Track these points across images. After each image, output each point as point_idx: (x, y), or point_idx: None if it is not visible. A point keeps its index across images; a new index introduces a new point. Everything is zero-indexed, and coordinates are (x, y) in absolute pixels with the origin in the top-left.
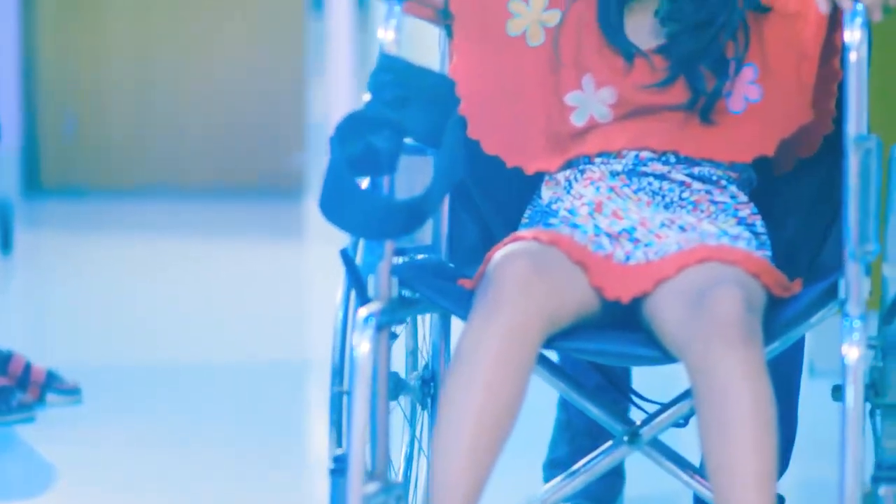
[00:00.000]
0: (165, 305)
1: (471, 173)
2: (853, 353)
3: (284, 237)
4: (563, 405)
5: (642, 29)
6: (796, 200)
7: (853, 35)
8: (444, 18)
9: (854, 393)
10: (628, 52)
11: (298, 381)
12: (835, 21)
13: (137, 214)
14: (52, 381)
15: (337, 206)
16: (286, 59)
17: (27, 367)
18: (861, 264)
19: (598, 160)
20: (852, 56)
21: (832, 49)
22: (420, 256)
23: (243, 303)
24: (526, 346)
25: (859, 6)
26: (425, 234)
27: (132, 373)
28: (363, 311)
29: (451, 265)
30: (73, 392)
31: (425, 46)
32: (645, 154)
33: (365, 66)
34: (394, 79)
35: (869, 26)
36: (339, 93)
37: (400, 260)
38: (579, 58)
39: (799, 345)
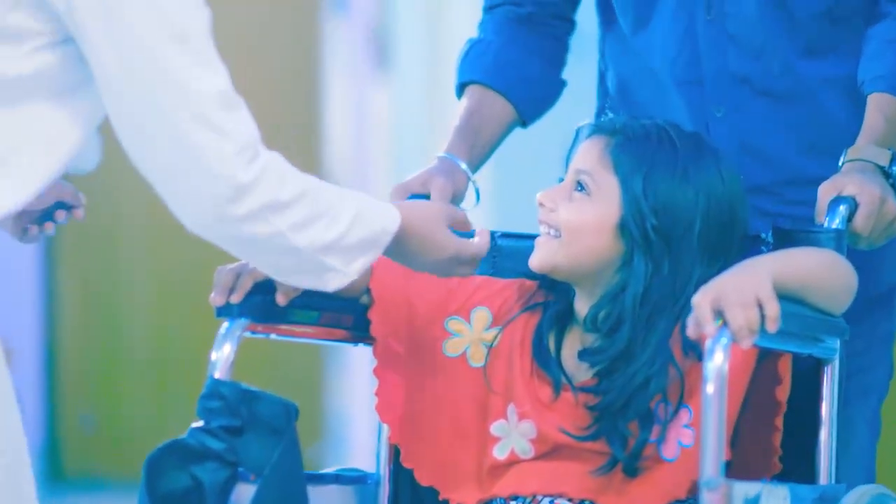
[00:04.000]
0: None
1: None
2: None
3: None
4: None
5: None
6: None
7: (714, 363)
8: (361, 337)
9: None
10: (556, 383)
11: None
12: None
13: None
14: None
15: None
16: (301, 355)
17: None
18: None
19: (512, 503)
20: (709, 388)
21: (774, 378)
22: None
23: None
24: None
25: (725, 336)
26: None
27: None
28: None
29: None
30: None
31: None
32: (559, 501)
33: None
34: (223, 406)
35: None
36: (359, 385)
37: None
38: (508, 383)
39: None
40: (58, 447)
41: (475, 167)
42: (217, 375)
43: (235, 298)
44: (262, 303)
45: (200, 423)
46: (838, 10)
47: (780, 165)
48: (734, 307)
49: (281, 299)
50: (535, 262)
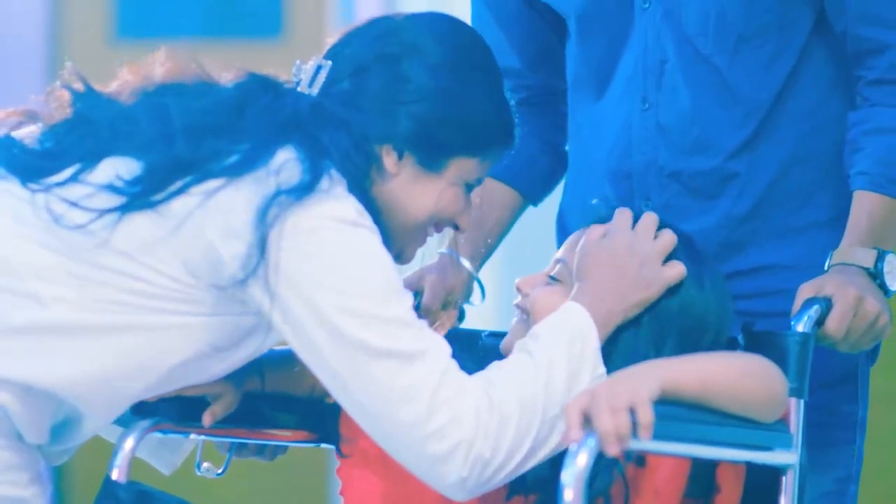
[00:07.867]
0: None
1: None
2: None
3: None
4: None
5: None
6: None
7: (574, 469)
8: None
9: None
10: (512, 485)
11: None
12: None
13: None
14: None
15: None
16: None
17: None
18: None
19: None
20: (567, 495)
21: (714, 488)
22: None
23: None
24: None
25: (591, 441)
26: None
27: None
28: None
29: None
30: None
31: None
32: None
33: None
34: None
35: None
36: None
37: None
38: None
39: None
40: None
41: (483, 258)
42: (114, 475)
43: (152, 398)
44: (176, 404)
45: None
46: (798, 87)
47: None
48: (602, 413)
49: (207, 419)
50: (503, 345)
